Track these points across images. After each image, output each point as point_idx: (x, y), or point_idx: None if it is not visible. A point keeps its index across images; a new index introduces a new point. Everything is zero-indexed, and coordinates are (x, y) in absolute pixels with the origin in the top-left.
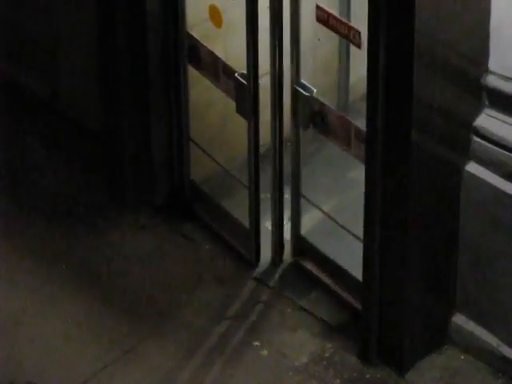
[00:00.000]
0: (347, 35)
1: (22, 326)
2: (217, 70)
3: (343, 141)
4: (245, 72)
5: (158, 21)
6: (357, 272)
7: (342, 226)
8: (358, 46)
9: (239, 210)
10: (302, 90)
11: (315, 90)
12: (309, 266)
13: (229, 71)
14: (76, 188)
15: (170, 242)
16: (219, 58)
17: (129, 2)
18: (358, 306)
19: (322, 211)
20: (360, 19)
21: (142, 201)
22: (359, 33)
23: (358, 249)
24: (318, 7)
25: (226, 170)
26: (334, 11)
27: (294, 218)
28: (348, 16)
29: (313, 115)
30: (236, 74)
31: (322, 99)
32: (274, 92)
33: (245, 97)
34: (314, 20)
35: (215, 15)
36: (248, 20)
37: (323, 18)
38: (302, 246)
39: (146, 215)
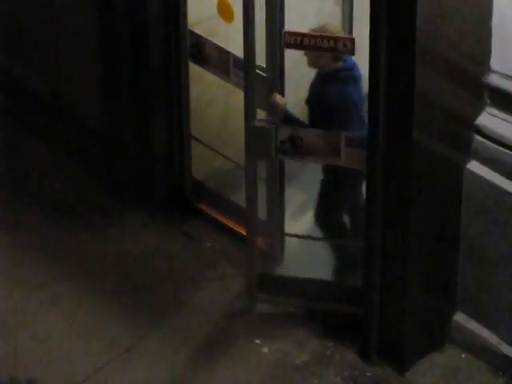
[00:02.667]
0: (334, 48)
1: (23, 323)
2: (226, 64)
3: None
4: (261, 64)
5: (159, 19)
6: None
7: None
8: (352, 53)
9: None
10: None
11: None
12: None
13: (241, 64)
14: (77, 186)
15: (171, 239)
16: (229, 52)
17: (130, 1)
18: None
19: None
20: (360, 22)
21: (143, 198)
22: (351, 40)
23: None
24: (286, 33)
25: (236, 163)
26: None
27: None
28: (351, 15)
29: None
30: None
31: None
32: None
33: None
34: (317, 19)
35: (225, 10)
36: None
37: (294, 42)
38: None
39: (146, 213)
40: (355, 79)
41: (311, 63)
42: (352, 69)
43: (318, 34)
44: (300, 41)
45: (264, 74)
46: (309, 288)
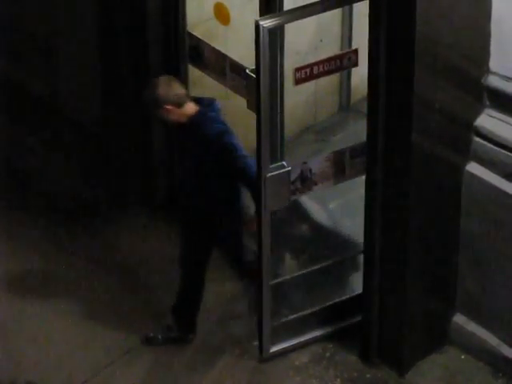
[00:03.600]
0: (340, 67)
1: (23, 325)
2: (223, 67)
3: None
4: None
5: (158, 21)
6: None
7: None
8: (355, 64)
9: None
10: None
11: None
12: None
13: (238, 68)
14: (76, 188)
15: (171, 241)
16: (226, 56)
17: (129, 3)
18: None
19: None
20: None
21: (142, 200)
22: (355, 51)
23: None
24: (296, 70)
25: None
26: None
27: None
28: (350, 21)
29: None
30: (247, 70)
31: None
32: (275, 91)
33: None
34: (317, 21)
35: (222, 13)
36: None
37: (304, 77)
38: None
39: (146, 215)
40: (217, 110)
41: (171, 121)
42: (210, 104)
43: (324, 59)
44: (310, 72)
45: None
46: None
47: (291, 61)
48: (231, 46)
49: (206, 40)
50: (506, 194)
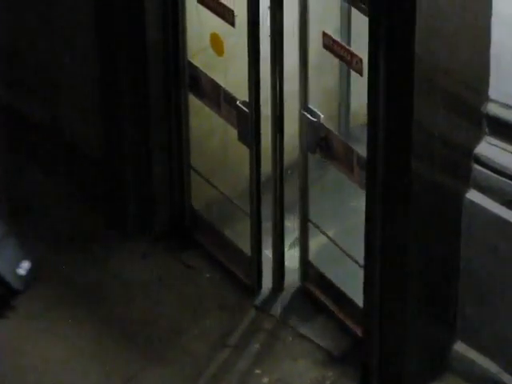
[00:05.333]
0: (350, 62)
1: (23, 353)
2: (218, 98)
3: (346, 167)
4: (246, 100)
5: (159, 49)
6: (360, 299)
7: (346, 253)
8: (360, 72)
9: (240, 238)
10: (309, 116)
11: (322, 116)
12: (315, 292)
13: (230, 99)
14: (76, 215)
15: (171, 269)
16: (220, 86)
17: (130, 31)
18: (360, 333)
19: (329, 238)
20: (360, 46)
21: (143, 228)
22: (361, 60)
23: (361, 275)
24: (324, 34)
25: (228, 198)
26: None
27: (302, 242)
28: (348, 43)
29: (319, 140)
30: (238, 102)
31: (327, 125)
32: (274, 119)
33: (246, 125)
34: (316, 48)
35: (217, 43)
36: (250, 48)
37: (329, 44)
38: (308, 271)
39: (146, 243)
40: None
41: None
42: None
43: (343, 45)
44: (332, 45)
45: (247, 110)
46: None
47: (289, 87)
48: (231, 75)
49: (206, 69)
50: (505, 221)
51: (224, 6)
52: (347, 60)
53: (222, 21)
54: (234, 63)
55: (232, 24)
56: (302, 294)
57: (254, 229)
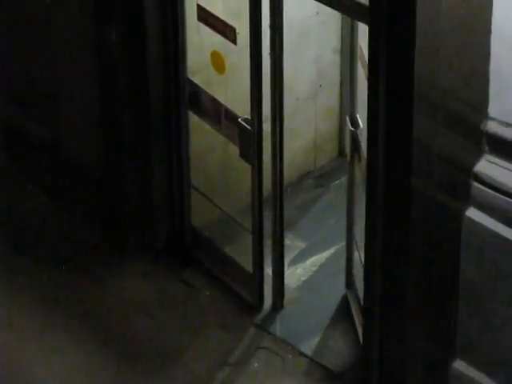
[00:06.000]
0: (224, 32)
1: (22, 372)
2: (219, 115)
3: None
4: (248, 117)
5: (159, 67)
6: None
7: None
8: (234, 41)
9: (241, 255)
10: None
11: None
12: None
13: (231, 116)
14: (77, 234)
15: (171, 288)
16: (221, 104)
17: (131, 49)
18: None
19: None
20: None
21: (143, 247)
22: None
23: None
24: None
25: (229, 215)
26: None
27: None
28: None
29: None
30: (239, 120)
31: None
32: (274, 137)
33: (248, 142)
34: (316, 66)
35: (218, 61)
36: (252, 65)
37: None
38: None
39: (146, 261)
40: None
41: None
42: None
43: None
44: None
45: (249, 127)
46: None
47: (291, 106)
48: (231, 92)
49: (206, 86)
50: (505, 239)
51: (225, 23)
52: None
53: (223, 38)
54: (234, 81)
55: (233, 41)
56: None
57: (256, 245)
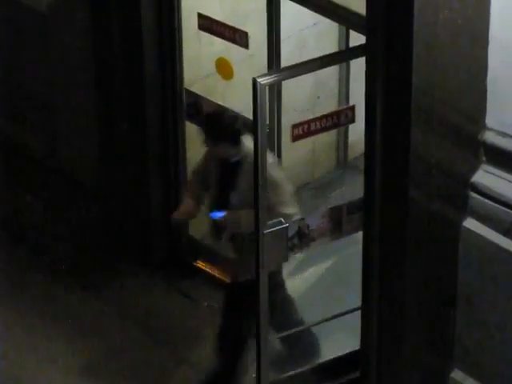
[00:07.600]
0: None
1: (22, 382)
2: None
3: None
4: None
5: (156, 79)
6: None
7: None
8: (246, 46)
9: None
10: None
11: None
12: None
13: None
14: (75, 247)
15: (169, 299)
16: (227, 109)
17: (127, 62)
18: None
19: None
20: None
21: (141, 258)
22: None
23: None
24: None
25: None
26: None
27: None
28: (347, 77)
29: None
30: None
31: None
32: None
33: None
34: (314, 78)
35: (224, 67)
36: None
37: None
38: None
39: (144, 273)
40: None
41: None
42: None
43: (321, 115)
44: (308, 129)
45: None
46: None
47: (289, 117)
48: (229, 102)
49: (208, 95)
50: (503, 249)
51: (234, 29)
52: (333, 124)
53: (221, 48)
54: (236, 89)
55: (246, 46)
56: None
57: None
